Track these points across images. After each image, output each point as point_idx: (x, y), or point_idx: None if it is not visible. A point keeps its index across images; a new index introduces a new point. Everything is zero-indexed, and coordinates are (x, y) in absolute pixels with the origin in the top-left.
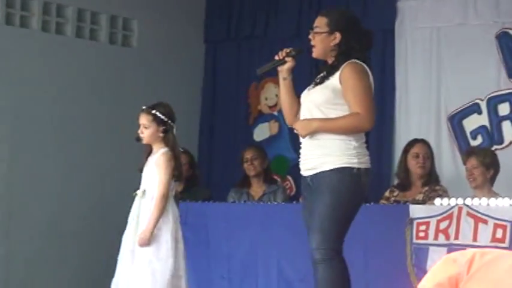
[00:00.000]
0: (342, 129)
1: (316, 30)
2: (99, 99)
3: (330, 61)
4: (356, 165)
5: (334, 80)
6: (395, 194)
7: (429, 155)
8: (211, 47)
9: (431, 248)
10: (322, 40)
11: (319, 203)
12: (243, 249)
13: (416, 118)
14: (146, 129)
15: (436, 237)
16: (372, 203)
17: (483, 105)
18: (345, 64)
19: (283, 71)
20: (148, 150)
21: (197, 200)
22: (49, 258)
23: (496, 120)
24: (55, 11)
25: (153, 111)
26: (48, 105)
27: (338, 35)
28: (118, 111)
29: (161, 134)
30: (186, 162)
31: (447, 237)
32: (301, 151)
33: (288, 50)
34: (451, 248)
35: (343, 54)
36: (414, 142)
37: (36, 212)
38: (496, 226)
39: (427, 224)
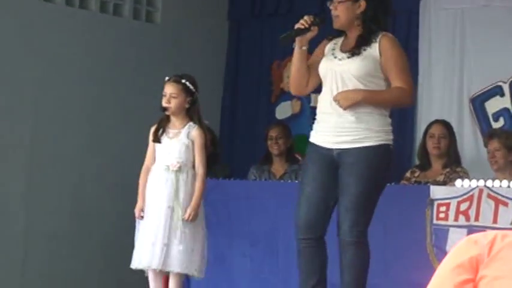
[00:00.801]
0: (387, 103)
1: None
2: (122, 76)
3: (353, 31)
4: (391, 142)
5: (373, 51)
6: (416, 174)
7: (446, 135)
8: (235, 24)
9: (451, 229)
10: (347, 8)
11: (357, 182)
12: (264, 227)
13: (439, 99)
14: (175, 98)
15: (456, 219)
16: (392, 183)
17: (506, 88)
18: (381, 35)
19: (304, 40)
20: (166, 121)
21: (218, 177)
22: (68, 234)
23: None
24: None
25: (183, 81)
26: (72, 80)
27: (363, 3)
28: (141, 87)
29: (187, 105)
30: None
31: (467, 219)
32: (322, 120)
33: (312, 18)
34: (471, 229)
35: (370, 22)
36: (433, 123)
37: (56, 188)
38: None
39: (448, 205)
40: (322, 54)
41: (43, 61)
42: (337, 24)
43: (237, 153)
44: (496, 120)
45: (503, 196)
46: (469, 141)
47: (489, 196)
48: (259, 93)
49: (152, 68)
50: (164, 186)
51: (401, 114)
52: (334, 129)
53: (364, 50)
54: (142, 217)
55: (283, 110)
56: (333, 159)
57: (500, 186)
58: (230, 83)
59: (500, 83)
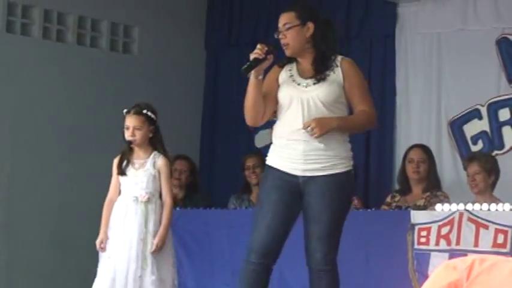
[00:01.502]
0: (357, 128)
1: (287, 26)
2: (100, 107)
3: (306, 56)
4: (352, 168)
5: (337, 76)
6: (396, 199)
7: (425, 160)
8: (212, 53)
9: (432, 253)
10: (297, 34)
11: (328, 209)
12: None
13: (417, 123)
14: (139, 130)
15: (437, 243)
16: (373, 209)
17: (483, 111)
18: (340, 58)
19: (260, 69)
20: (129, 152)
21: (198, 207)
22: (49, 266)
23: (497, 125)
24: (56, 18)
25: (145, 111)
26: (49, 112)
27: (311, 25)
28: (119, 118)
29: (150, 135)
30: (187, 169)
31: (449, 243)
32: (288, 149)
33: (266, 47)
34: (452, 253)
35: (321, 43)
36: (412, 147)
37: (37, 220)
38: (497, 231)
39: (429, 229)
40: (276, 82)
41: (21, 92)
42: (289, 52)
43: (217, 182)
44: (475, 143)
45: (483, 219)
46: (449, 164)
47: (470, 220)
48: (238, 122)
49: (130, 99)
50: (134, 218)
51: (380, 139)
52: (303, 156)
53: (328, 75)
54: (103, 249)
55: (262, 138)
56: (297, 187)
57: (481, 209)
58: (209, 112)
59: (478, 106)
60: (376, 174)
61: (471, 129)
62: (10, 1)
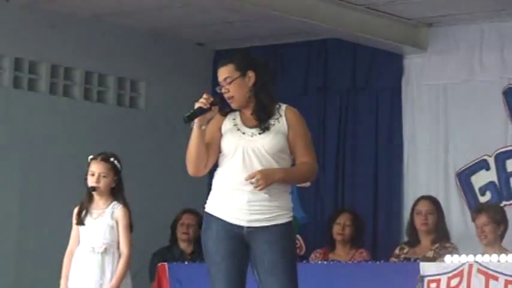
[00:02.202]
0: (299, 180)
1: (228, 80)
2: None
3: (249, 105)
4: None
5: (281, 125)
6: (405, 251)
7: (433, 211)
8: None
9: None
10: (239, 86)
11: (282, 259)
12: None
13: (425, 175)
14: (104, 178)
15: None
16: (382, 261)
17: (491, 161)
18: (284, 108)
19: (204, 119)
20: (88, 201)
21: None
22: None
23: (504, 176)
24: (63, 73)
25: (111, 160)
26: (57, 167)
27: (251, 74)
28: (126, 172)
29: (113, 184)
30: (195, 223)
31: None
32: (232, 198)
33: (211, 98)
34: None
35: (260, 91)
36: (419, 199)
37: (47, 271)
38: (507, 282)
39: (438, 281)
40: (219, 131)
41: (28, 150)
42: (235, 105)
43: None
44: (483, 194)
45: (493, 270)
46: (457, 216)
47: (479, 271)
48: None
49: (137, 154)
50: (90, 269)
51: (388, 190)
52: (247, 207)
53: (273, 125)
54: None
55: None
56: (242, 237)
57: (490, 260)
58: (216, 167)
59: (485, 157)
60: (384, 226)
61: (479, 180)
62: (17, 57)
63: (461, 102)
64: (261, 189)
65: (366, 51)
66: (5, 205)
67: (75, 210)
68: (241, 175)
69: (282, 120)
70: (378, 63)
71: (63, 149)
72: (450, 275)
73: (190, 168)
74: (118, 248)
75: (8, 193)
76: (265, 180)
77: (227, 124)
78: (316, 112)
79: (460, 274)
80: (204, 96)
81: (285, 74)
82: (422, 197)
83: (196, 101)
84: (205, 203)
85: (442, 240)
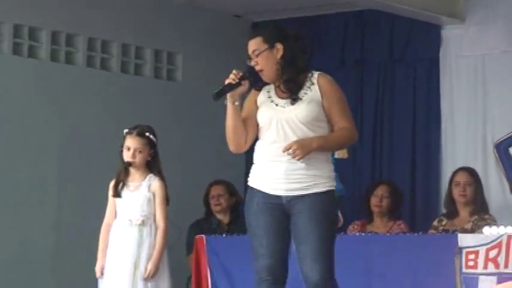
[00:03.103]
0: (339, 146)
1: (256, 53)
2: None
3: (279, 77)
4: (334, 188)
5: (314, 94)
6: (443, 223)
7: (471, 183)
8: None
9: (480, 277)
10: (267, 58)
11: (316, 229)
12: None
13: (463, 146)
14: (140, 153)
15: (485, 266)
16: (420, 233)
17: None
18: (317, 75)
19: (236, 95)
20: (124, 174)
21: (244, 233)
22: None
23: None
24: (100, 46)
25: (147, 134)
26: (96, 140)
27: (280, 46)
28: (164, 145)
29: (149, 158)
30: (224, 192)
31: (497, 266)
32: (266, 167)
33: (241, 73)
34: (500, 277)
35: (290, 63)
36: (457, 171)
37: (84, 252)
38: None
39: (476, 253)
40: (255, 105)
41: (66, 122)
42: (265, 78)
43: None
44: None
45: None
46: (495, 187)
47: None
48: None
49: (175, 125)
50: (127, 241)
51: (426, 163)
52: (285, 176)
53: (305, 94)
54: (102, 275)
55: None
56: (283, 207)
57: None
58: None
59: None
60: (422, 198)
61: None
62: (54, 30)
63: (500, 73)
64: (299, 159)
65: (403, 23)
66: (44, 178)
67: (112, 183)
68: (277, 146)
69: (315, 88)
70: (416, 35)
71: (101, 121)
72: (488, 246)
73: (231, 146)
74: (154, 220)
75: (47, 165)
76: (301, 150)
77: (262, 97)
78: (353, 84)
79: (499, 246)
80: (234, 72)
81: (322, 46)
82: (461, 169)
83: (227, 77)
84: (243, 175)
85: (481, 211)
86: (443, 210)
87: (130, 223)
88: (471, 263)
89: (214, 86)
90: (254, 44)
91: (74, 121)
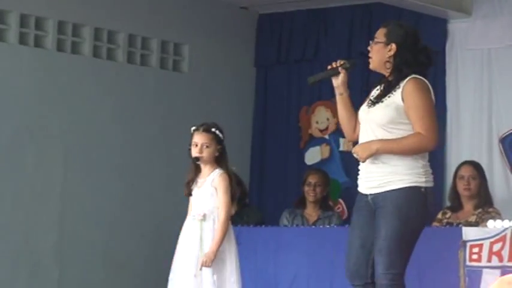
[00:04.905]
0: (403, 151)
1: (374, 41)
2: (150, 124)
3: (386, 74)
4: (423, 184)
5: (396, 97)
6: (447, 215)
7: (476, 176)
8: (262, 71)
9: (484, 270)
10: (378, 50)
11: (386, 224)
12: (291, 273)
13: (468, 140)
14: (208, 148)
15: (489, 260)
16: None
17: None
18: (406, 80)
19: (339, 86)
20: (195, 171)
21: (249, 224)
22: (101, 283)
23: None
24: (106, 36)
25: (213, 130)
26: (100, 130)
27: (394, 47)
28: (169, 136)
29: (217, 154)
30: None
31: (501, 260)
32: (360, 168)
33: (341, 62)
34: (504, 270)
35: (397, 67)
36: (462, 164)
37: (88, 239)
38: None
39: (480, 246)
40: None
41: (72, 112)
42: (371, 65)
43: (267, 198)
44: None
45: None
46: (500, 181)
47: None
48: (288, 139)
49: (180, 117)
50: (190, 237)
51: (431, 155)
52: (366, 174)
53: (389, 97)
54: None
55: (312, 156)
56: (369, 204)
57: None
58: (258, 130)
59: None
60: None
61: None
62: (61, 20)
63: (506, 66)
64: (363, 161)
65: (410, 16)
66: (49, 167)
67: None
68: None
69: (398, 92)
70: (422, 27)
71: (106, 112)
72: (492, 240)
73: (345, 134)
74: None
75: (52, 155)
76: (362, 152)
77: (371, 95)
78: (359, 76)
79: (503, 239)
80: (338, 61)
81: (328, 38)
82: (465, 162)
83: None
84: (248, 166)
85: (485, 205)
86: (448, 203)
87: (194, 218)
88: (475, 256)
89: (220, 78)
90: (378, 33)
91: (79, 111)
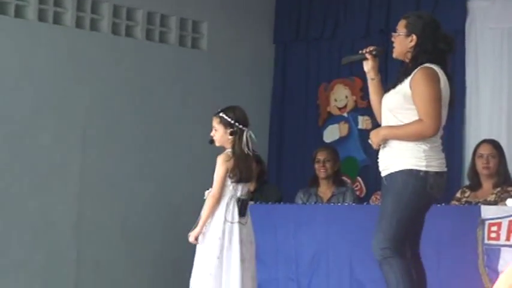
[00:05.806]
0: (406, 136)
1: (397, 32)
2: (169, 102)
3: (407, 62)
4: (424, 168)
5: (405, 85)
6: (466, 194)
7: (495, 155)
8: (281, 47)
9: (503, 248)
10: (400, 42)
11: (385, 203)
12: (311, 250)
13: (487, 118)
14: (216, 131)
15: (508, 238)
16: (443, 204)
17: None
18: (417, 69)
19: (369, 71)
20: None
21: (268, 201)
22: (119, 262)
23: None
24: (125, 14)
25: (220, 114)
26: (119, 108)
27: (414, 38)
28: (188, 113)
29: (230, 137)
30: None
31: None
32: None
33: (371, 48)
34: None
35: (416, 57)
36: (481, 143)
37: (106, 216)
38: None
39: (499, 224)
40: None
41: (90, 89)
42: (394, 54)
43: (285, 176)
44: None
45: None
46: None
47: None
48: (306, 116)
49: (199, 94)
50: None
51: (450, 134)
52: (380, 158)
53: (400, 84)
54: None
55: (331, 133)
56: (384, 185)
57: None
58: (277, 107)
59: None
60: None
61: None
62: None
63: None
64: (376, 147)
65: None
66: (68, 144)
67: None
68: None
69: (408, 80)
70: (442, 6)
71: (125, 89)
72: (511, 218)
73: (376, 117)
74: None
75: (70, 132)
76: (373, 139)
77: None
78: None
79: None
80: (369, 47)
81: (347, 16)
82: (484, 141)
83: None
84: (267, 143)
85: (504, 184)
86: (467, 182)
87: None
88: (493, 235)
89: (238, 55)
90: (399, 24)
91: (98, 88)
